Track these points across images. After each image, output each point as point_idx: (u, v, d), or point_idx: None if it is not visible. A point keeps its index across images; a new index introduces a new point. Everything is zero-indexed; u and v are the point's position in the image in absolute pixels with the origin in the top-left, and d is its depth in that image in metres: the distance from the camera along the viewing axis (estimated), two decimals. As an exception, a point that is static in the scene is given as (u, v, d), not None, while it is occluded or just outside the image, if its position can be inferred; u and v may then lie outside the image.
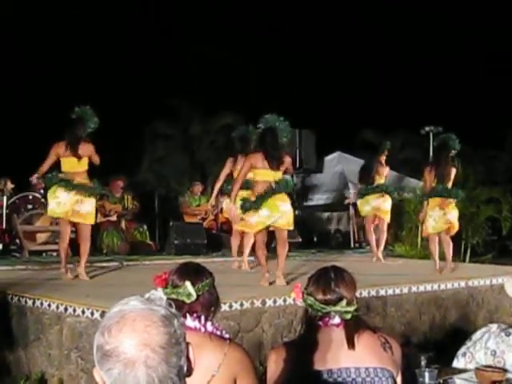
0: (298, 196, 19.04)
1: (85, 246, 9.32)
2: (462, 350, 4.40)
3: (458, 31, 28.96)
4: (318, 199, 20.59)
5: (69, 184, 9.07)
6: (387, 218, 12.62)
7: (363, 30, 30.45)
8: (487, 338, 4.26)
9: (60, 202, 9.07)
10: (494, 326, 4.40)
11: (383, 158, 12.95)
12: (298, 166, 17.73)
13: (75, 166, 9.16)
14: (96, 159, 9.29)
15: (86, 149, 9.18)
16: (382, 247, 12.74)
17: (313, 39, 30.46)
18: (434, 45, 29.60)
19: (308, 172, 19.35)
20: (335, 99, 27.71)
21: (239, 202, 9.08)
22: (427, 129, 18.14)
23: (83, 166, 9.22)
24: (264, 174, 8.76)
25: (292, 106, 25.28)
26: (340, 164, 20.40)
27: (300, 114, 22.63)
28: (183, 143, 23.56)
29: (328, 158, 21.15)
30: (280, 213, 8.69)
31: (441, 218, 10.65)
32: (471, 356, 4.27)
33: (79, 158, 9.13)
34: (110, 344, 1.69)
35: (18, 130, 21.21)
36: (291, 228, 9.16)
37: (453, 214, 10.66)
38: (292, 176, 18.55)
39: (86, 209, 9.16)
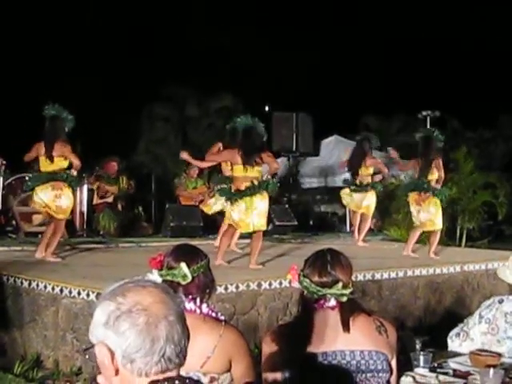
0: (294, 179, 19.06)
1: (55, 238, 9.31)
2: (455, 330, 4.42)
3: (456, 15, 28.91)
4: (314, 182, 20.61)
5: (43, 178, 9.13)
6: (370, 212, 12.73)
7: (362, 14, 30.38)
8: (481, 310, 4.31)
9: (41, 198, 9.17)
10: (487, 301, 4.44)
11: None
12: (294, 149, 17.76)
13: (50, 165, 9.19)
14: (74, 161, 9.28)
15: (60, 149, 9.18)
16: (363, 234, 12.84)
17: (311, 23, 30.38)
18: (433, 29, 29.51)
19: (304, 155, 19.36)
20: (334, 83, 27.64)
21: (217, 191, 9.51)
22: (424, 113, 18.14)
23: (59, 165, 9.21)
24: (240, 170, 8.94)
25: (290, 89, 25.29)
26: (336, 148, 20.39)
27: (298, 98, 22.65)
28: (180, 125, 23.50)
29: (325, 142, 21.15)
30: (256, 210, 8.84)
31: (415, 216, 10.82)
32: (465, 334, 4.29)
33: (53, 157, 9.16)
34: (127, 304, 1.70)
35: (11, 110, 21.14)
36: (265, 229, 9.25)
37: (430, 211, 10.71)
38: (289, 164, 18.62)
39: (63, 203, 9.19)
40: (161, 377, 1.71)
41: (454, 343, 4.40)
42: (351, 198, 12.74)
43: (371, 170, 12.78)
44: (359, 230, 12.84)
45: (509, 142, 25.82)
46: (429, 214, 10.74)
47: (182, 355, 1.74)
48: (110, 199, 14.49)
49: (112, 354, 1.71)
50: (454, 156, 15.34)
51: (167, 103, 22.85)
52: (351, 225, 16.52)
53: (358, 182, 12.64)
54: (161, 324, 1.69)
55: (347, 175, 13.41)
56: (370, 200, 12.58)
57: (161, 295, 1.73)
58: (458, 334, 4.36)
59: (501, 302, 4.28)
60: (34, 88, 20.82)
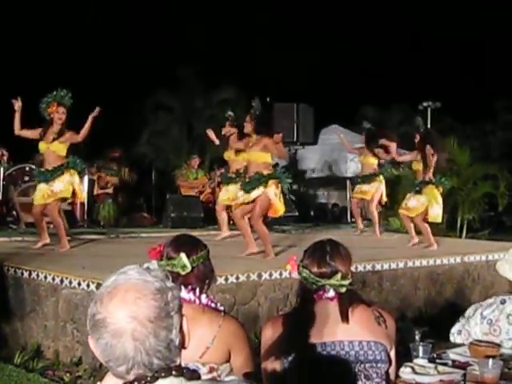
0: (294, 169, 19.06)
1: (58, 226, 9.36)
2: (457, 327, 4.39)
3: (457, 7, 28.86)
4: (314, 171, 20.59)
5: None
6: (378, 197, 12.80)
7: (364, 5, 30.32)
8: (483, 309, 4.28)
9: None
10: (489, 299, 4.40)
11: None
12: (295, 140, 17.76)
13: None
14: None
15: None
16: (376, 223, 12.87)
17: (313, 14, 30.30)
18: (434, 20, 29.49)
19: (304, 145, 19.35)
20: (334, 74, 27.59)
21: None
22: (425, 104, 18.11)
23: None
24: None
25: (291, 80, 25.24)
26: (336, 135, 20.38)
27: (299, 88, 22.61)
28: (182, 116, 23.45)
29: (324, 130, 21.13)
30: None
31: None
32: (467, 333, 4.27)
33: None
34: (100, 313, 1.69)
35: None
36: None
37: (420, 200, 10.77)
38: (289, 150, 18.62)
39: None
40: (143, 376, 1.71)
41: (456, 341, 4.38)
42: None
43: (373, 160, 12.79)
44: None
45: (506, 131, 25.76)
46: (418, 202, 10.80)
47: (166, 354, 1.73)
48: (110, 190, 14.52)
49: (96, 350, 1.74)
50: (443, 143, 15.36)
51: (171, 92, 22.78)
52: (352, 216, 16.52)
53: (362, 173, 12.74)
54: (126, 342, 1.68)
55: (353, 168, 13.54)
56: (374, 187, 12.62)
57: (137, 302, 1.69)
58: (459, 332, 4.34)
59: (503, 302, 4.23)
60: (37, 80, 20.81)
